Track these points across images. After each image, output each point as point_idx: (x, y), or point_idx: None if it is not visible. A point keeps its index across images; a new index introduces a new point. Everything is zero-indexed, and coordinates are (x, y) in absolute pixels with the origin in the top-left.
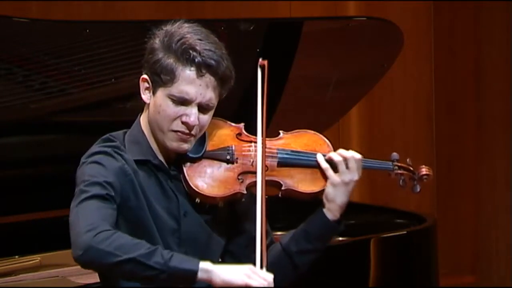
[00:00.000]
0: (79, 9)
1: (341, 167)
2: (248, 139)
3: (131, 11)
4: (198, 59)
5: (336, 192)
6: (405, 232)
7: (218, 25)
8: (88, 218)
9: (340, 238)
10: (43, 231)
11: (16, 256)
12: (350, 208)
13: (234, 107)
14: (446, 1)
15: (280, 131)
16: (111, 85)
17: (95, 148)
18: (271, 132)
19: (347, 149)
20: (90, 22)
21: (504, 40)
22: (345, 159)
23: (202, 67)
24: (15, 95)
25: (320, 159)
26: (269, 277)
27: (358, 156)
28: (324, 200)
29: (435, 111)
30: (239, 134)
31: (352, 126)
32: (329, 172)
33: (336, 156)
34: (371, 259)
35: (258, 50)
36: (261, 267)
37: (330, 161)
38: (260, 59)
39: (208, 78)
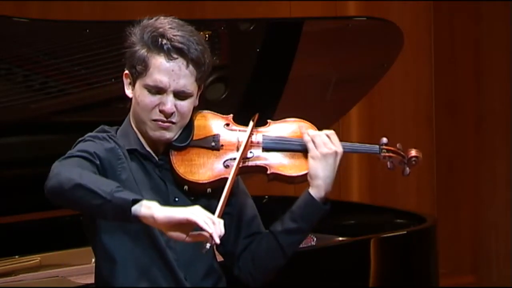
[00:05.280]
0: (79, 9)
1: (317, 140)
2: (235, 128)
3: (131, 11)
4: (167, 45)
5: (317, 166)
6: (405, 232)
7: (218, 25)
8: (66, 167)
9: (340, 238)
10: (43, 231)
11: (16, 256)
12: (350, 208)
13: (234, 107)
14: (446, 1)
15: (268, 120)
16: (111, 85)
17: (88, 134)
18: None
19: None
20: (90, 22)
21: (504, 40)
22: (319, 135)
23: (172, 52)
24: (15, 95)
25: (304, 137)
26: (217, 219)
27: (330, 131)
28: (309, 179)
29: (435, 111)
30: (227, 124)
31: (352, 126)
32: (309, 145)
33: (311, 132)
34: (371, 259)
35: (258, 50)
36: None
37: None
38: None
39: (180, 63)
